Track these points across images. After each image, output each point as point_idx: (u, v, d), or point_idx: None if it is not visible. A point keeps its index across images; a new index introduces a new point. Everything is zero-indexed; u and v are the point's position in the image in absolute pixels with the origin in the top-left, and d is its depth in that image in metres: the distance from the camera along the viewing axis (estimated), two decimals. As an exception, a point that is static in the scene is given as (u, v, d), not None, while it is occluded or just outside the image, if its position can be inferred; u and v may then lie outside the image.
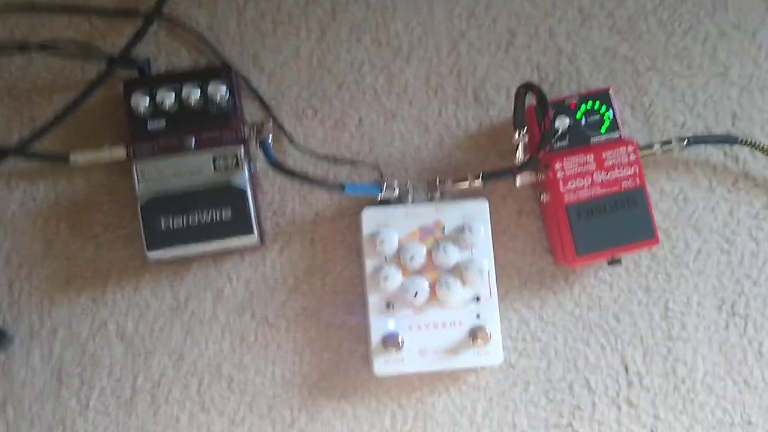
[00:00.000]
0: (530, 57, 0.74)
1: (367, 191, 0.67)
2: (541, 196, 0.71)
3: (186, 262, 0.69)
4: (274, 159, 0.64)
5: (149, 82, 0.67)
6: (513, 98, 0.69)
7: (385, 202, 0.69)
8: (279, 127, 0.70)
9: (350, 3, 0.74)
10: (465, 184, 0.68)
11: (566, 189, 0.68)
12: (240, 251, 0.70)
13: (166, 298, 0.69)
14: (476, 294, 0.67)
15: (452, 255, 0.67)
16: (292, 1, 0.73)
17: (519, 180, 0.70)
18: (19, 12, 0.71)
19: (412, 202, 0.70)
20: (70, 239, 0.69)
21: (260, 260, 0.70)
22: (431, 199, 0.70)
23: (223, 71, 0.68)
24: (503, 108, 0.73)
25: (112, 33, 0.71)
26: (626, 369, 0.71)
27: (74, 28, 0.71)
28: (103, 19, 0.72)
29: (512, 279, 0.71)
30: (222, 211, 0.65)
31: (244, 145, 0.67)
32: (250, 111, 0.71)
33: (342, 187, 0.63)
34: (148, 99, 0.66)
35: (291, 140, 0.71)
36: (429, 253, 0.67)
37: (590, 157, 0.68)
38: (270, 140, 0.67)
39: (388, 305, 0.67)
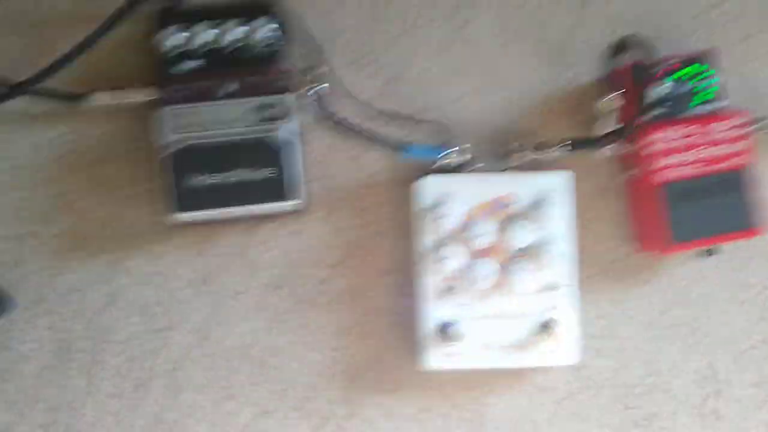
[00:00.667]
0: (621, 11, 0.64)
1: (431, 154, 0.57)
2: (629, 173, 0.61)
3: (216, 226, 0.61)
4: (330, 111, 0.54)
5: (184, 16, 0.58)
6: (601, 56, 0.59)
7: (447, 169, 0.60)
8: (332, 75, 0.60)
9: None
10: (549, 152, 0.59)
11: (663, 165, 0.58)
12: (278, 217, 0.61)
13: (192, 268, 0.61)
14: (552, 282, 0.58)
15: (527, 234, 0.58)
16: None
17: (606, 152, 0.60)
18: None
19: (481, 169, 0.60)
20: (85, 193, 0.60)
21: (301, 229, 0.61)
22: (503, 168, 0.61)
23: (272, 6, 0.59)
24: (587, 69, 0.63)
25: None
26: (715, 375, 0.61)
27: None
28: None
29: (589, 266, 0.62)
30: (263, 170, 0.56)
31: (292, 93, 0.57)
32: (298, 56, 0.61)
33: (404, 148, 0.54)
34: (182, 35, 0.57)
35: (345, 92, 0.61)
36: (499, 230, 0.58)
37: (692, 129, 0.59)
38: (325, 89, 0.57)
39: (447, 290, 0.58)
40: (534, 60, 0.64)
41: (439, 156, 0.57)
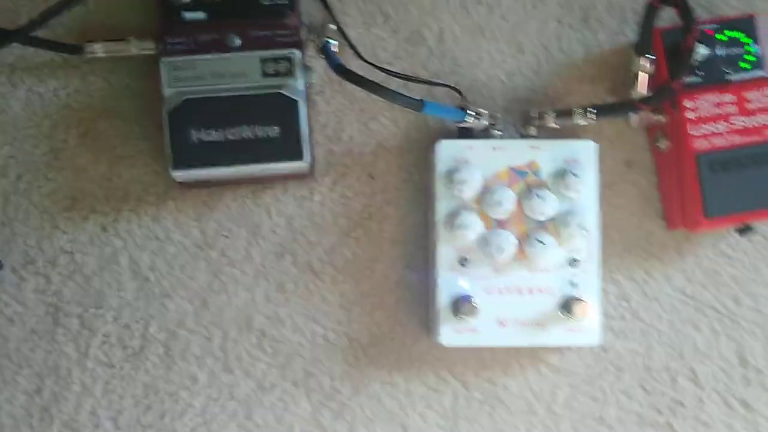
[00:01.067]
0: (654, -27, 0.60)
1: (450, 114, 0.54)
2: (659, 143, 0.57)
3: (217, 188, 0.57)
4: (338, 62, 0.50)
5: (189, -39, 0.54)
6: (631, 20, 0.55)
7: (465, 134, 0.56)
8: (341, 33, 0.57)
9: None
10: (573, 119, 0.55)
11: (697, 134, 0.54)
12: (284, 180, 0.57)
13: (191, 231, 0.57)
14: (574, 256, 0.54)
15: (549, 205, 0.54)
16: None
17: (636, 119, 0.57)
18: None
19: (501, 136, 0.56)
20: (80, 150, 0.57)
21: (307, 194, 0.58)
22: (524, 135, 0.57)
23: (281, -44, 0.55)
24: (615, 32, 0.60)
25: None
26: (743, 362, 0.58)
27: None
28: None
29: (613, 243, 0.58)
30: (268, 127, 0.52)
31: (300, 49, 0.54)
32: (307, 11, 0.58)
33: (420, 104, 0.50)
34: (186, -19, 0.53)
35: (355, 51, 0.58)
36: (518, 200, 0.54)
37: (729, 97, 0.55)
38: (333, 45, 0.53)
39: (462, 261, 0.54)
40: (557, 23, 0.60)
41: (462, 117, 0.53)
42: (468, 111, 0.54)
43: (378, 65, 0.58)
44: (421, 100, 0.50)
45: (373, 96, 0.51)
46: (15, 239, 0.56)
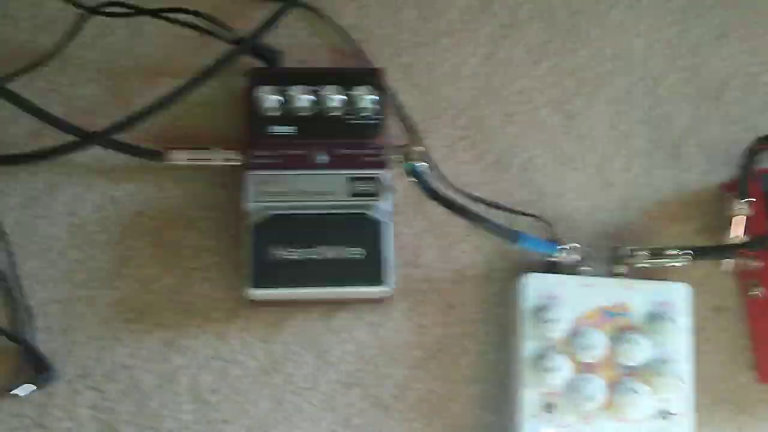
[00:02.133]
0: (745, 113, 0.59)
1: (542, 248, 0.51)
2: (754, 290, 0.54)
3: (288, 309, 0.54)
4: (431, 187, 0.48)
5: (280, 76, 0.54)
6: (722, 158, 0.54)
7: (552, 267, 0.53)
8: (427, 156, 0.55)
9: (532, 19, 0.60)
10: (668, 260, 0.52)
11: (797, 285, 0.51)
12: (357, 305, 0.54)
13: (256, 353, 0.54)
14: (667, 408, 0.50)
15: (641, 350, 0.51)
16: (462, 8, 0.59)
17: (729, 264, 0.54)
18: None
19: (590, 272, 0.54)
20: (150, 259, 0.55)
21: (381, 320, 0.55)
22: (613, 273, 0.54)
23: (375, 76, 0.54)
24: (706, 170, 0.58)
25: (237, 13, 0.58)
26: None
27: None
28: (232, -2, 0.59)
29: (704, 394, 0.54)
30: (351, 250, 0.50)
31: (386, 170, 0.52)
32: (395, 131, 0.56)
33: (515, 236, 0.48)
34: (275, 97, 0.52)
35: (441, 175, 0.56)
36: (608, 344, 0.51)
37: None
38: (424, 167, 0.52)
39: (548, 407, 0.50)
40: (647, 158, 0.58)
41: (554, 252, 0.51)
42: (561, 245, 0.51)
43: (463, 190, 0.56)
44: (516, 231, 0.48)
45: (465, 222, 0.49)
46: (73, 349, 0.53)
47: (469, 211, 0.47)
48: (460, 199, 0.55)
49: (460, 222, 0.53)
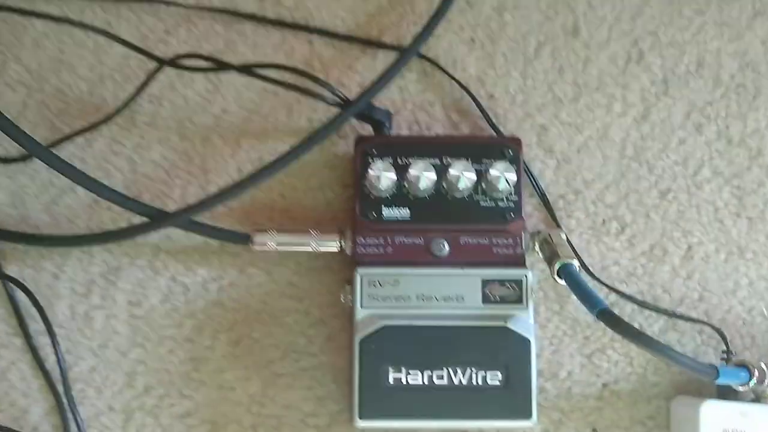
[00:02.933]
0: None
1: (739, 379, 0.40)
2: None
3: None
4: (604, 306, 0.37)
5: (395, 147, 0.43)
6: None
7: (726, 392, 0.43)
8: (568, 243, 0.44)
9: (688, 76, 0.49)
10: None
11: None
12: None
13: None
14: None
15: None
16: (609, 60, 0.49)
17: None
18: (216, 15, 0.48)
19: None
20: (228, 362, 0.45)
21: (510, 446, 0.44)
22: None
23: (511, 146, 0.44)
24: None
25: (338, 66, 0.48)
26: None
27: (286, 51, 0.48)
28: (330, 43, 0.48)
29: None
30: (488, 372, 0.40)
31: (526, 267, 0.42)
32: (528, 215, 0.46)
33: (714, 373, 0.37)
34: (389, 174, 0.42)
35: (583, 266, 0.46)
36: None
37: None
38: (576, 267, 0.41)
39: None
40: (835, 246, 0.47)
41: (745, 381, 0.40)
42: (754, 374, 0.40)
43: (612, 286, 0.46)
44: (715, 367, 0.37)
45: (649, 354, 0.38)
46: (130, 468, 0.44)
47: (657, 343, 0.36)
48: (602, 293, 0.45)
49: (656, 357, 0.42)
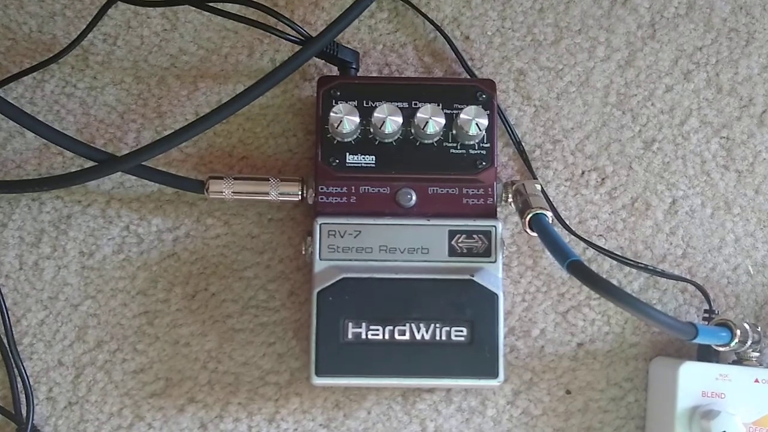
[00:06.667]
0: None
1: (722, 339, 0.38)
2: None
3: (362, 389, 0.42)
4: (575, 257, 0.35)
5: (360, 89, 0.41)
6: None
7: (707, 354, 0.41)
8: (543, 195, 0.42)
9: (677, 19, 0.46)
10: None
11: None
12: (453, 396, 0.42)
13: (318, 446, 0.42)
14: None
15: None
16: (592, 0, 0.46)
17: None
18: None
19: (760, 361, 0.41)
20: (184, 316, 0.43)
21: (479, 406, 0.42)
22: (790, 364, 0.41)
23: (484, 90, 0.41)
24: None
25: (304, 3, 0.45)
26: None
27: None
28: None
29: None
30: (453, 328, 0.37)
31: (500, 221, 0.39)
32: (502, 165, 0.44)
33: (693, 331, 0.34)
34: (353, 118, 0.39)
35: (559, 219, 0.43)
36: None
37: None
38: (549, 217, 0.38)
39: None
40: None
41: (726, 341, 0.38)
42: (736, 334, 0.38)
43: (589, 240, 0.43)
44: (694, 325, 0.35)
45: (623, 310, 0.36)
46: (84, 426, 0.42)
47: (628, 297, 0.33)
48: (578, 248, 0.43)
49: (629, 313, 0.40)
